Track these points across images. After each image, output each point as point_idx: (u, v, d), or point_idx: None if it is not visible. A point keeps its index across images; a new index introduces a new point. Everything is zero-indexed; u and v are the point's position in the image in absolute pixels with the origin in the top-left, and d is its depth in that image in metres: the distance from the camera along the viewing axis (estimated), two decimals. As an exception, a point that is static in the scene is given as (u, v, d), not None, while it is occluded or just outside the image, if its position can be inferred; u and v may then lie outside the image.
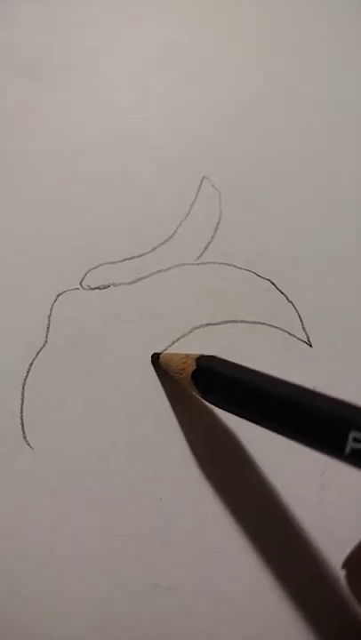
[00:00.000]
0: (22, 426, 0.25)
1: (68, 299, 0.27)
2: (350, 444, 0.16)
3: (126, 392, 0.26)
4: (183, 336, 0.27)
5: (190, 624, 0.23)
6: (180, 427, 0.25)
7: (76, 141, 0.29)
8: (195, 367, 0.23)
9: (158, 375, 0.26)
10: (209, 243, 0.29)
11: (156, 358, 0.26)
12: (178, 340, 0.27)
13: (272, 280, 0.28)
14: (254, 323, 0.28)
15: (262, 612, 0.24)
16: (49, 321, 0.26)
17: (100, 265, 0.27)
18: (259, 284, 0.28)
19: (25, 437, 0.24)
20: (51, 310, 0.26)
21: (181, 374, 0.23)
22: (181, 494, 0.24)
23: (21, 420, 0.25)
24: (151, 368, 0.26)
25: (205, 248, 0.28)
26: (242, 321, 0.27)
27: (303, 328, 0.28)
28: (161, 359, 0.25)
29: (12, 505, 0.23)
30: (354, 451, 0.16)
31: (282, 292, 0.28)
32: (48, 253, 0.27)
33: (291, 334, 0.28)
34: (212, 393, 0.22)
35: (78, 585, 0.23)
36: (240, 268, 0.28)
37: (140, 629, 0.23)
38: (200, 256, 0.28)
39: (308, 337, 0.28)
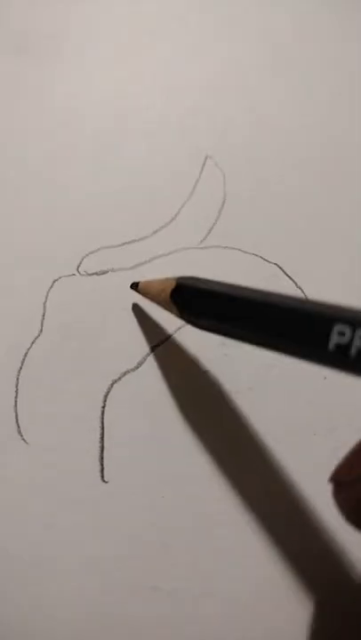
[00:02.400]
0: (16, 419, 0.23)
1: (64, 285, 0.25)
2: (334, 339, 0.15)
3: (125, 383, 0.24)
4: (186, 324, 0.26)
5: (192, 628, 0.22)
6: (181, 419, 0.24)
7: (69, 119, 0.28)
8: (174, 286, 0.22)
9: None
10: (213, 225, 0.27)
11: (135, 286, 0.25)
12: (180, 328, 0.25)
13: (279, 265, 0.27)
14: (261, 310, 0.26)
15: (267, 615, 0.22)
16: (44, 309, 0.25)
17: (98, 249, 0.26)
18: (266, 268, 0.27)
19: (19, 431, 0.23)
20: (46, 297, 0.25)
21: (160, 296, 0.23)
22: (183, 491, 0.23)
23: (15, 412, 0.24)
24: (150, 358, 0.25)
25: (209, 231, 0.27)
26: (248, 308, 0.26)
27: (313, 315, 0.26)
28: (140, 286, 0.24)
29: (3, 501, 0.22)
30: (338, 346, 0.15)
31: (290, 278, 0.27)
32: (42, 238, 0.26)
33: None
34: (191, 310, 0.22)
35: (73, 586, 0.22)
36: (246, 252, 0.27)
37: (139, 633, 0.22)
38: (204, 239, 0.27)
39: (318, 324, 0.26)
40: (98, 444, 0.23)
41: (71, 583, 0.22)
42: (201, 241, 0.27)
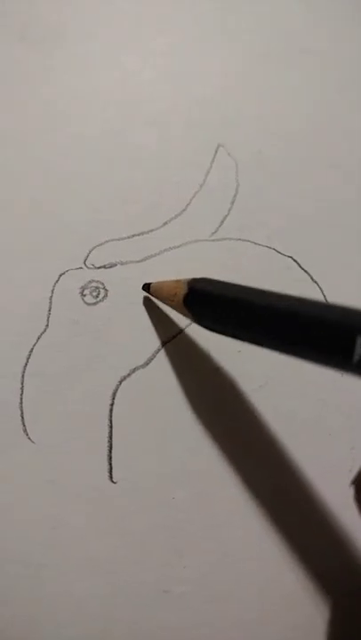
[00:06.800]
0: (22, 417, 0.23)
1: (71, 279, 0.25)
2: (359, 351, 0.14)
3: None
4: (197, 319, 0.25)
5: (202, 632, 0.21)
6: (192, 417, 0.23)
7: (76, 108, 0.27)
8: (186, 291, 0.21)
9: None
10: (225, 217, 0.26)
11: (147, 288, 0.24)
12: (192, 323, 0.25)
13: (294, 257, 0.26)
14: (275, 304, 0.25)
15: (278, 619, 0.22)
16: (50, 303, 0.24)
17: (106, 242, 0.25)
18: (280, 261, 0.26)
19: (25, 430, 0.23)
20: (52, 292, 0.24)
21: (173, 300, 0.22)
22: (194, 492, 0.23)
23: (21, 410, 0.23)
24: (161, 354, 0.24)
25: (221, 222, 0.26)
26: (261, 302, 0.25)
27: (329, 310, 0.25)
28: (152, 288, 0.24)
29: (8, 502, 0.22)
30: None
31: (305, 271, 0.26)
32: (48, 230, 0.25)
33: (315, 317, 0.25)
34: (207, 316, 0.21)
35: (82, 587, 0.21)
36: (259, 245, 0.26)
37: (149, 636, 0.21)
38: (215, 231, 0.26)
39: (334, 320, 0.25)
40: (106, 444, 0.23)
41: (79, 585, 0.21)
42: (212, 233, 0.26)
